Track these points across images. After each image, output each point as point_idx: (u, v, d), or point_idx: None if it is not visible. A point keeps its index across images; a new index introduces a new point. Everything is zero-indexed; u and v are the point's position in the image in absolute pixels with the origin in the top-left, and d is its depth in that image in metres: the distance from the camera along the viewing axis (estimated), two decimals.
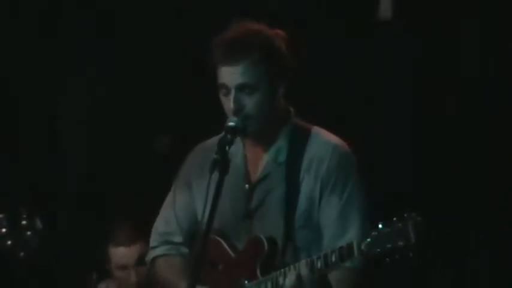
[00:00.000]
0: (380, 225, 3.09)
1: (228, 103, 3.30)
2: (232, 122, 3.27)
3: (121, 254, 4.88)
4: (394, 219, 3.07)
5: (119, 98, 6.27)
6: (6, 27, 6.35)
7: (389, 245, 3.07)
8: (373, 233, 3.09)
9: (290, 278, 3.25)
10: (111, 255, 4.91)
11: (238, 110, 3.31)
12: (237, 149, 3.45)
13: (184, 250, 3.55)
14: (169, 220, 3.62)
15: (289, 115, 3.48)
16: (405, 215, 3.06)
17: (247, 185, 3.47)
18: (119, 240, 4.88)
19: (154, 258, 3.63)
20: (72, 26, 6.52)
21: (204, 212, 3.22)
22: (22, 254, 3.89)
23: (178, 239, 3.57)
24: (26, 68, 6.24)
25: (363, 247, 3.10)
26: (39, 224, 3.90)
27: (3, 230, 3.92)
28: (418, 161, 5.60)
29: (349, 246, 3.14)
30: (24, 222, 3.93)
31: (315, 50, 6.02)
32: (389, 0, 5.49)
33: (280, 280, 3.28)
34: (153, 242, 3.66)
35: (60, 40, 6.30)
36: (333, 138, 3.48)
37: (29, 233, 3.89)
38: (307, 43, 6.02)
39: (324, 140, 3.47)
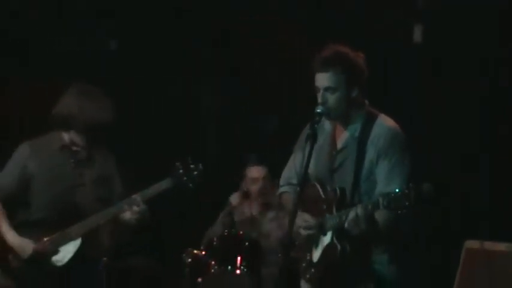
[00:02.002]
0: (397, 190, 4.21)
1: (319, 97, 4.53)
2: (318, 109, 4.49)
3: (254, 170, 7.12)
4: (404, 186, 4.22)
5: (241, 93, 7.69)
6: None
7: (400, 203, 4.16)
8: (392, 194, 4.20)
9: (352, 214, 4.35)
10: (247, 172, 7.13)
11: (323, 103, 4.52)
12: (328, 127, 4.68)
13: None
14: (291, 168, 4.85)
15: (363, 105, 4.63)
16: (410, 185, 4.18)
17: (334, 152, 4.65)
18: (250, 162, 7.10)
19: (280, 193, 4.96)
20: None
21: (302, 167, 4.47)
22: (191, 185, 5.53)
23: (295, 181, 4.75)
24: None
25: (385, 203, 4.22)
26: (201, 167, 5.52)
27: (181, 171, 5.52)
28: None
29: (378, 201, 4.28)
30: (192, 166, 5.54)
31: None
32: (420, 31, 6.63)
33: (348, 215, 4.40)
34: (280, 182, 4.96)
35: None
36: (390, 122, 4.63)
37: (195, 172, 5.53)
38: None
39: (383, 123, 4.61)
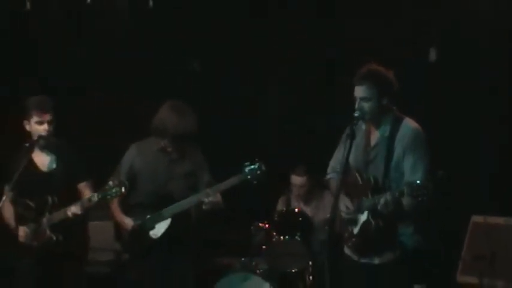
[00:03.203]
0: (418, 181, 4.58)
1: (356, 104, 4.91)
2: (356, 113, 4.89)
3: (297, 179, 7.36)
4: (425, 177, 4.58)
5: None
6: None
7: (420, 192, 4.54)
8: (414, 185, 4.57)
9: (383, 199, 4.74)
10: (291, 179, 7.38)
11: (360, 109, 4.89)
12: (363, 127, 5.03)
13: None
14: (336, 160, 5.25)
15: (392, 110, 4.97)
16: (428, 177, 4.56)
17: (368, 148, 5.01)
18: (295, 171, 7.34)
19: (327, 179, 5.37)
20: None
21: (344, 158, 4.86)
22: (255, 182, 5.77)
23: (338, 169, 5.05)
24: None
25: (408, 191, 4.60)
26: (263, 167, 5.76)
27: (247, 170, 5.76)
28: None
29: (403, 190, 4.64)
30: (256, 166, 5.76)
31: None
32: (434, 51, 6.99)
33: (379, 200, 4.77)
34: (328, 170, 5.35)
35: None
36: (413, 124, 4.95)
37: (258, 172, 5.77)
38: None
39: (407, 125, 4.93)
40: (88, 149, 6.01)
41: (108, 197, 5.57)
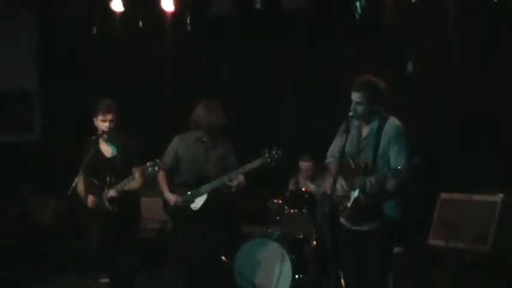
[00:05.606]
0: (399, 167, 4.92)
1: (352, 106, 5.19)
2: (350, 113, 5.17)
3: (304, 164, 7.66)
4: (406, 163, 4.87)
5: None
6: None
7: (401, 176, 4.87)
8: (396, 170, 4.92)
9: (368, 181, 5.03)
10: (300, 164, 7.69)
11: (354, 110, 5.17)
12: (357, 123, 5.28)
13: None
14: (334, 147, 5.49)
15: (381, 111, 5.21)
16: (409, 162, 4.85)
17: (360, 139, 5.26)
18: (303, 158, 7.66)
19: (327, 163, 5.61)
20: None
21: (341, 148, 5.21)
22: (273, 164, 6.02)
23: (336, 155, 5.37)
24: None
25: (391, 175, 4.95)
26: (280, 152, 5.98)
27: (267, 155, 5.98)
28: None
29: (387, 174, 4.94)
30: (274, 151, 5.97)
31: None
32: (411, 64, 7.33)
33: (367, 181, 5.03)
34: (327, 155, 5.59)
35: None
36: (396, 122, 5.17)
37: (276, 156, 6.01)
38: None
39: (392, 122, 5.16)
40: (142, 141, 6.10)
41: (145, 174, 5.77)
